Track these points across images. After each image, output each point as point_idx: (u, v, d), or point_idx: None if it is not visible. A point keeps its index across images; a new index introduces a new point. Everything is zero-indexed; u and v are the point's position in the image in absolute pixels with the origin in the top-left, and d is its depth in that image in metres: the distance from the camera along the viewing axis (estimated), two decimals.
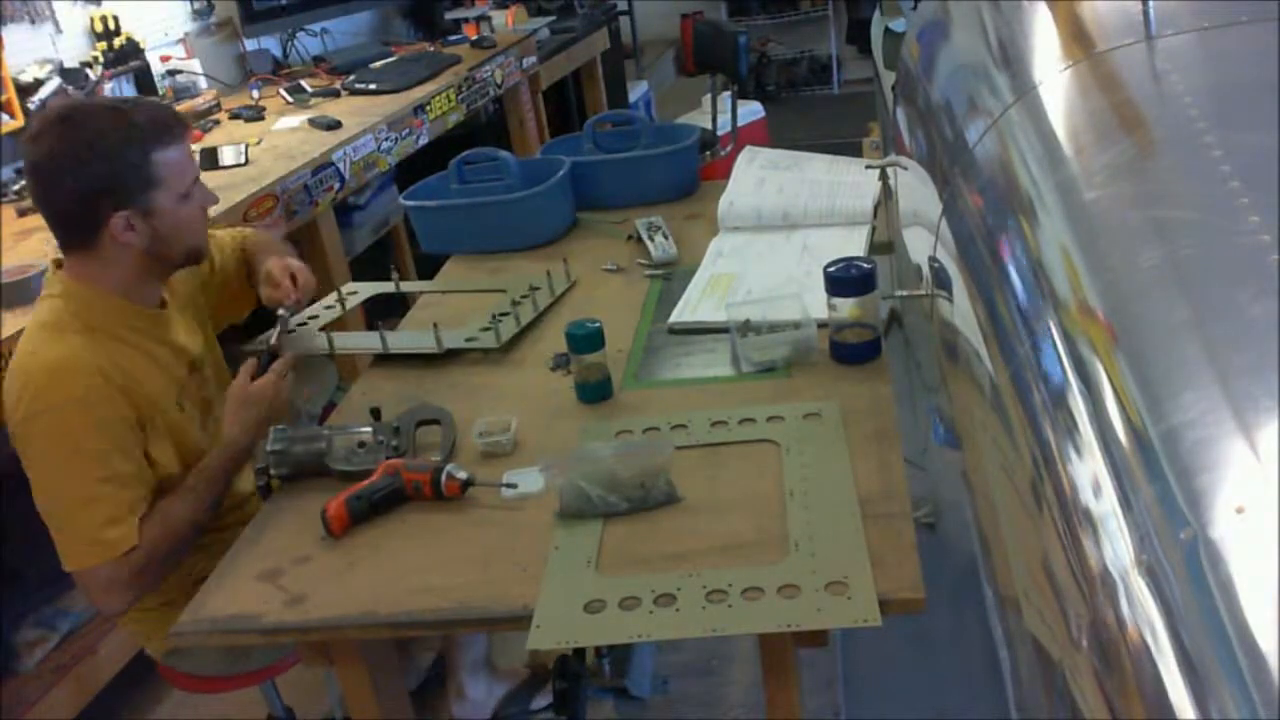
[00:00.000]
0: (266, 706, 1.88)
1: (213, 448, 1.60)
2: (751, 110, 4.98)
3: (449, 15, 4.44)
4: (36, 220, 2.43)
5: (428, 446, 1.51)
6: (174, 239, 1.53)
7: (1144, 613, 0.60)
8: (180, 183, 1.51)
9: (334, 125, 2.97)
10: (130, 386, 1.49)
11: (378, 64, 3.68)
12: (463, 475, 1.37)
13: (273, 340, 1.70)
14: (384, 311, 3.13)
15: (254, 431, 1.57)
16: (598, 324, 1.56)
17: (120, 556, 1.45)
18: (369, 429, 1.50)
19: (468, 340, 1.76)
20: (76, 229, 1.49)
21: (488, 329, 1.77)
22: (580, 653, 1.95)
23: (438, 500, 1.37)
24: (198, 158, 2.70)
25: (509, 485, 1.36)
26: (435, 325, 1.76)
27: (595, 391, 1.57)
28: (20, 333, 1.84)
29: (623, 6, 5.75)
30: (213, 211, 2.36)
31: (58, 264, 1.55)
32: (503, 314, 1.83)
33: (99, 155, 1.43)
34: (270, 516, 1.44)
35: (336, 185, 2.78)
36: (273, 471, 1.46)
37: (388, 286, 2.11)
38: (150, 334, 1.58)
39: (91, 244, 1.49)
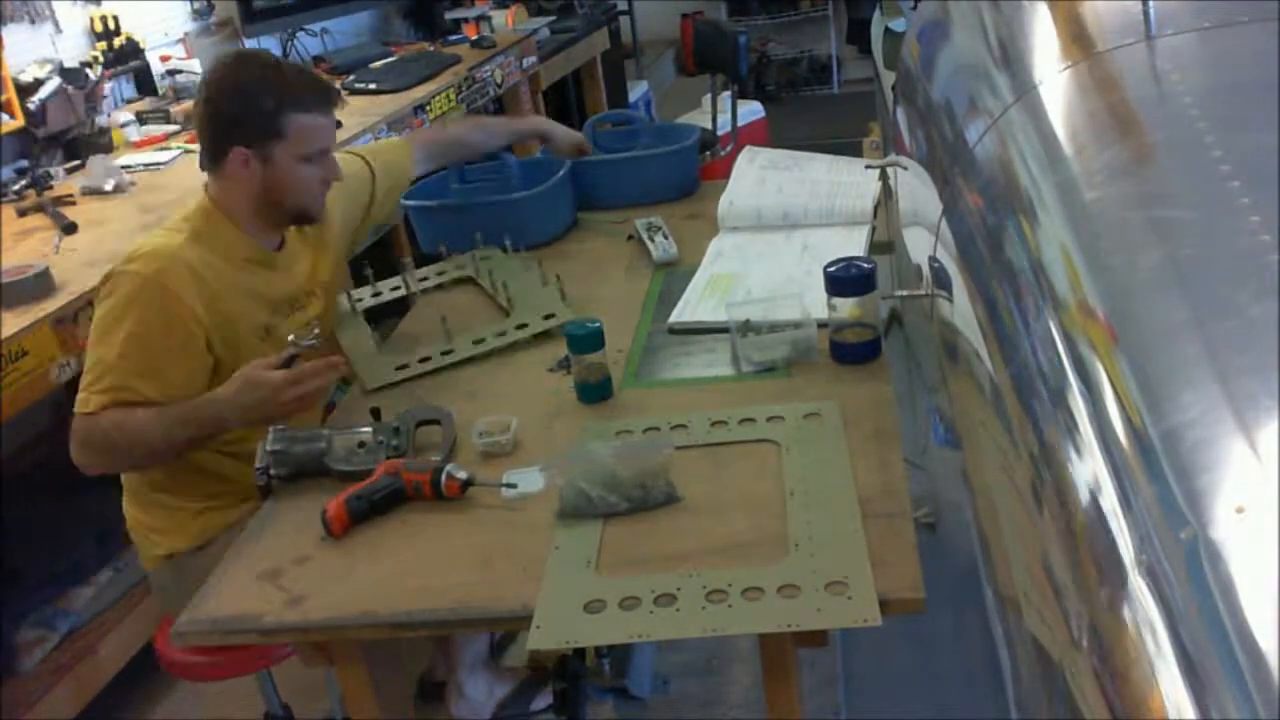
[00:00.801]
0: (263, 704, 1.88)
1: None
2: (751, 110, 4.98)
3: (449, 15, 4.44)
4: (36, 220, 2.44)
5: (428, 446, 1.50)
6: (284, 192, 1.69)
7: (1144, 613, 0.60)
8: (304, 146, 1.67)
9: (334, 125, 2.96)
10: (211, 298, 1.61)
11: (378, 64, 3.69)
12: (462, 475, 1.37)
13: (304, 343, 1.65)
14: (385, 313, 3.13)
15: (243, 412, 1.55)
16: (598, 324, 1.56)
17: (80, 415, 1.55)
18: (369, 429, 1.50)
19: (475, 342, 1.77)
20: (209, 149, 1.69)
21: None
22: (580, 653, 1.95)
23: (438, 500, 1.37)
24: (198, 158, 2.71)
25: (509, 485, 1.36)
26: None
27: (595, 391, 1.57)
28: (20, 332, 1.85)
29: (623, 6, 5.76)
30: None
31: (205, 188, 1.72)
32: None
33: (242, 94, 1.64)
34: (270, 516, 1.44)
35: None
36: (272, 471, 1.46)
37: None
38: (254, 268, 1.71)
39: (216, 168, 1.68)
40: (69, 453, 1.59)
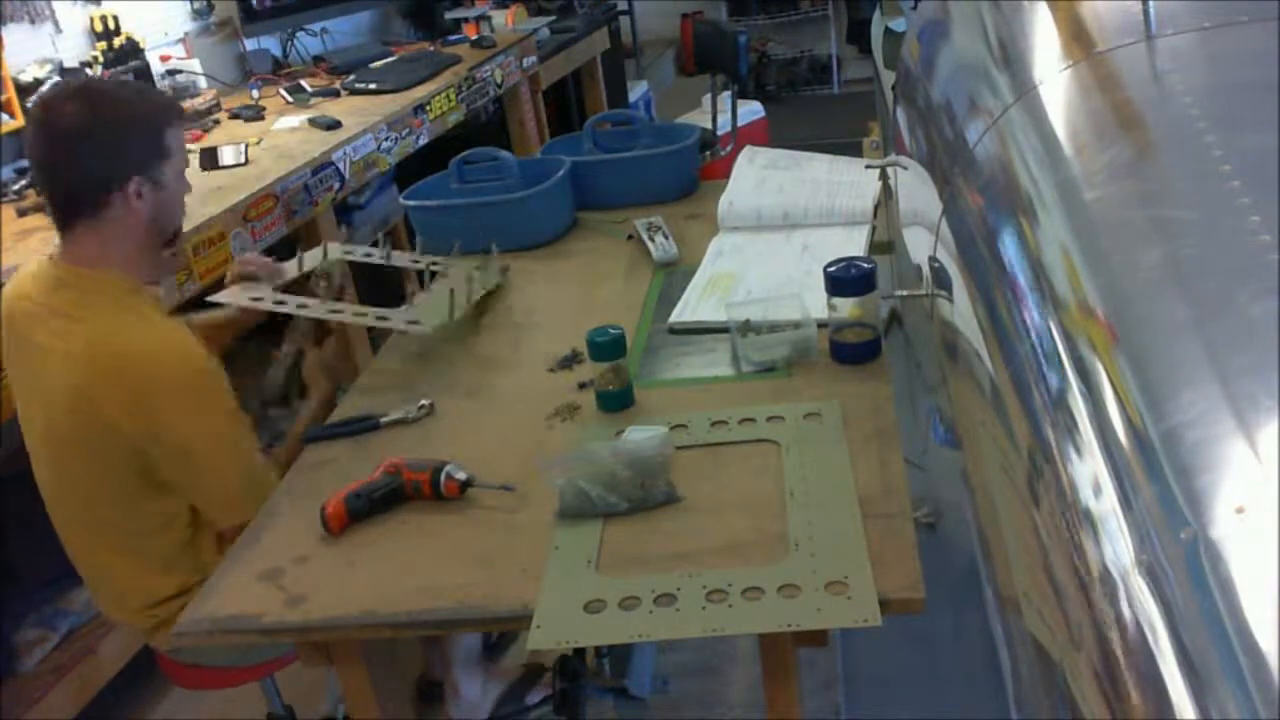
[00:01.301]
0: (266, 705, 1.88)
1: None
2: (751, 110, 4.98)
3: (449, 15, 4.44)
4: (36, 220, 2.43)
5: None
6: (170, 214, 1.63)
7: (1144, 613, 0.60)
8: (181, 160, 1.62)
9: (334, 125, 2.97)
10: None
11: (378, 64, 3.68)
12: (462, 476, 1.37)
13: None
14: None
15: (330, 389, 1.78)
16: (620, 330, 1.54)
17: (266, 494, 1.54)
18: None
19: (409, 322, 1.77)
20: (91, 197, 1.54)
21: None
22: (580, 652, 1.95)
23: (437, 500, 1.37)
24: (197, 158, 2.71)
25: (507, 487, 1.36)
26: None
27: (617, 400, 1.54)
28: None
29: (623, 6, 5.75)
30: (212, 210, 2.37)
31: (49, 260, 1.59)
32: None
33: (123, 123, 1.53)
34: (270, 516, 1.44)
35: (336, 185, 2.78)
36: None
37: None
38: (162, 307, 1.69)
39: (100, 214, 1.54)
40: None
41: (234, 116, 3.19)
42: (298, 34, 3.92)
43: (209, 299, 1.84)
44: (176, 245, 1.73)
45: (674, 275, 1.97)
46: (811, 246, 1.97)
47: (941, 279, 1.27)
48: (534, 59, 4.10)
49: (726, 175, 2.25)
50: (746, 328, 1.63)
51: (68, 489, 1.65)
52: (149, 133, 1.56)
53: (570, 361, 1.69)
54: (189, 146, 2.88)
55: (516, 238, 2.14)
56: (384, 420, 1.59)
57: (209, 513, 1.65)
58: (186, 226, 2.23)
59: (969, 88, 1.43)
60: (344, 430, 1.59)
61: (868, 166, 2.14)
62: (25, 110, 2.71)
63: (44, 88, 2.76)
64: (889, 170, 1.95)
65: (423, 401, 1.60)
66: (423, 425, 1.59)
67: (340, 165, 2.79)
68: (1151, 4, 1.06)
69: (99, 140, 1.52)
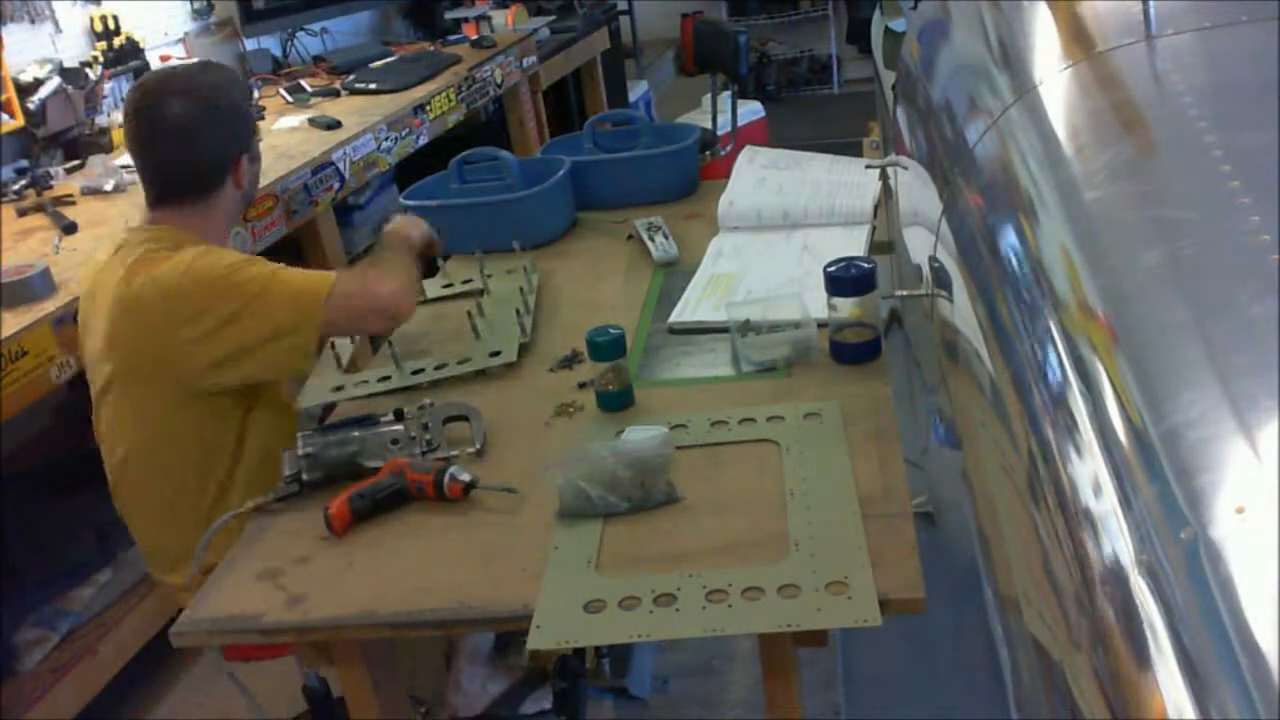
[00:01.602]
0: (299, 679, 1.86)
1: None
2: (751, 110, 4.98)
3: (449, 15, 4.44)
4: (36, 220, 2.43)
5: (458, 440, 1.49)
6: (256, 185, 1.76)
7: (1144, 613, 0.60)
8: (259, 130, 1.75)
9: (334, 125, 2.97)
10: None
11: (378, 64, 3.68)
12: (465, 477, 1.37)
13: None
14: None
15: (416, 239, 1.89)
16: (620, 330, 1.54)
17: (338, 277, 1.60)
18: (399, 426, 1.48)
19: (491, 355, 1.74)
20: (210, 177, 1.64)
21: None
22: (580, 653, 1.95)
23: (440, 501, 1.37)
24: None
25: (510, 489, 1.36)
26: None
27: (618, 400, 1.54)
28: (20, 332, 1.85)
29: (623, 6, 5.75)
30: None
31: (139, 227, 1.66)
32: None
33: (230, 105, 1.65)
34: (270, 516, 1.44)
35: (336, 185, 2.78)
36: (305, 476, 1.44)
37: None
38: None
39: (214, 192, 1.65)
40: (70, 452, 1.60)
41: None
42: (298, 34, 3.92)
43: None
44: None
45: (674, 275, 1.97)
46: (811, 246, 1.97)
47: (941, 279, 1.27)
48: (534, 59, 4.10)
49: (726, 175, 2.25)
50: (746, 328, 1.63)
51: (114, 440, 1.67)
52: (245, 112, 1.69)
53: (570, 361, 1.69)
54: None
55: (517, 238, 2.13)
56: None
57: (286, 357, 1.59)
58: None
59: (969, 88, 1.43)
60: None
61: (868, 166, 2.14)
62: (25, 110, 2.71)
63: (44, 89, 2.76)
64: (889, 170, 1.95)
65: (423, 402, 1.60)
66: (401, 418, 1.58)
67: (340, 165, 2.79)
68: (1151, 4, 1.06)
69: (213, 130, 1.62)
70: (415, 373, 1.72)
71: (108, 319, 1.56)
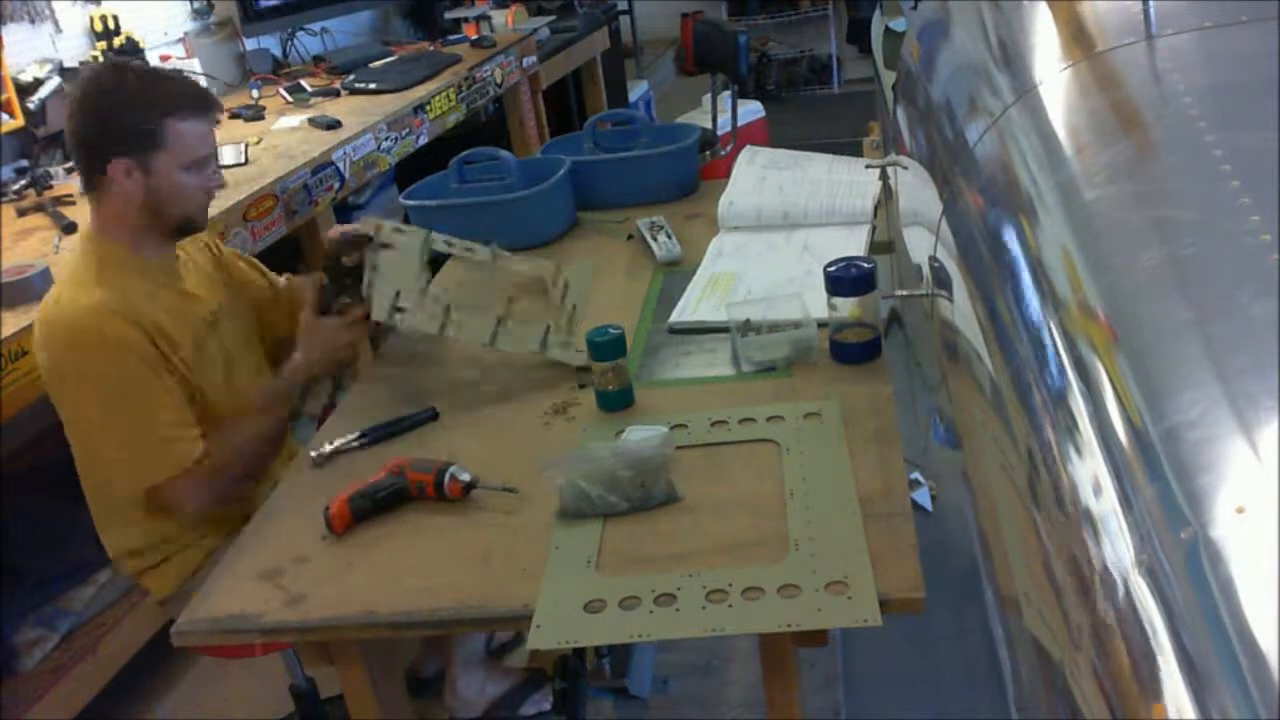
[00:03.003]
0: (276, 688, 1.87)
1: (231, 404, 1.72)
2: (751, 110, 4.98)
3: (449, 15, 4.44)
4: (36, 220, 2.43)
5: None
6: (169, 202, 1.64)
7: (1144, 613, 0.60)
8: (186, 154, 1.63)
9: (334, 125, 2.97)
10: (146, 323, 1.60)
11: (378, 63, 3.68)
12: (466, 477, 1.37)
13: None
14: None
15: (319, 365, 1.73)
16: (620, 330, 1.54)
17: (191, 465, 1.60)
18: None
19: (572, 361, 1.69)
20: (86, 166, 1.63)
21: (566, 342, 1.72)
22: (580, 652, 1.95)
23: (440, 501, 1.37)
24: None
25: (510, 489, 1.36)
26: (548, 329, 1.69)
27: (618, 399, 1.54)
28: (20, 332, 1.85)
29: (623, 6, 5.75)
30: (212, 210, 2.37)
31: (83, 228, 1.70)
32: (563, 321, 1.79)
33: (117, 105, 1.59)
34: (271, 516, 1.44)
35: (336, 185, 2.78)
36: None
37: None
38: (161, 280, 1.69)
39: (97, 185, 1.62)
40: (69, 452, 1.60)
41: (234, 116, 3.19)
42: (298, 34, 3.92)
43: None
44: (188, 234, 1.73)
45: (674, 275, 1.97)
46: (812, 246, 1.97)
47: (941, 279, 1.27)
48: (534, 59, 4.10)
49: (726, 175, 2.25)
50: (747, 327, 1.63)
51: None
52: (142, 120, 1.59)
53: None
54: None
55: (517, 238, 2.13)
56: (442, 411, 1.59)
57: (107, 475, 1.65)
58: None
59: (969, 88, 1.43)
60: (403, 426, 1.58)
61: (868, 166, 2.14)
62: (25, 110, 2.71)
63: (44, 88, 2.76)
64: (889, 170, 1.95)
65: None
66: (423, 425, 1.59)
67: (340, 165, 2.79)
68: (1151, 4, 1.06)
69: (92, 118, 1.59)
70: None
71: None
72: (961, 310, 1.15)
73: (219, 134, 3.05)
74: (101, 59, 3.03)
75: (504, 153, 2.33)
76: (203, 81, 3.35)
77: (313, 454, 1.54)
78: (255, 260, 2.00)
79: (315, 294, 1.74)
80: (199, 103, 1.65)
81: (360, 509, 1.36)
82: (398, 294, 1.65)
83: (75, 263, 1.65)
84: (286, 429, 1.80)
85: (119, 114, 1.59)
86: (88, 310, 1.56)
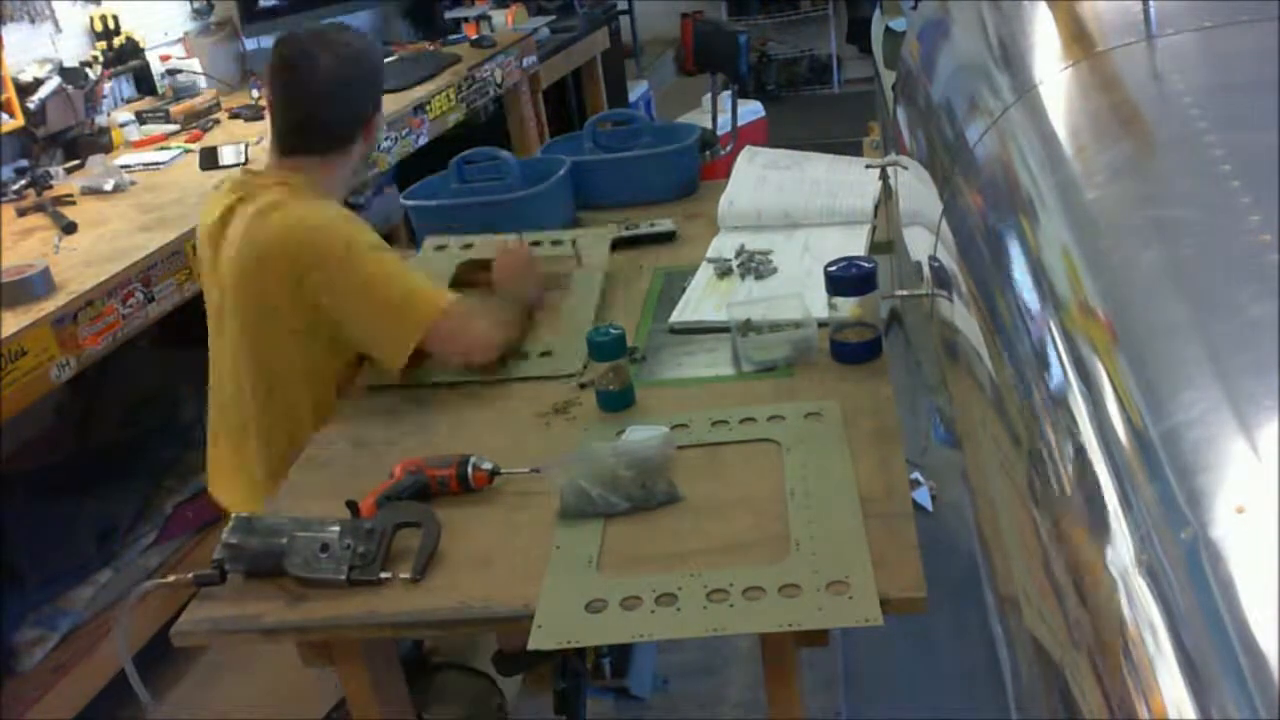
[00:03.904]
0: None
1: None
2: (751, 110, 4.98)
3: (449, 15, 4.44)
4: (36, 220, 2.43)
5: (404, 552, 1.28)
6: (367, 159, 1.85)
7: (1144, 613, 0.60)
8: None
9: None
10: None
11: None
12: (488, 465, 1.38)
13: None
14: None
15: (523, 289, 1.83)
16: (620, 330, 1.54)
17: (450, 307, 1.66)
18: (335, 529, 1.27)
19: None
20: (347, 133, 1.75)
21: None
22: (581, 652, 1.95)
23: (464, 493, 1.37)
24: (198, 156, 2.71)
25: (535, 470, 1.36)
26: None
27: (618, 400, 1.54)
28: (20, 331, 1.85)
29: (623, 6, 5.75)
30: None
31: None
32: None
33: (373, 67, 1.77)
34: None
35: None
36: (227, 567, 1.27)
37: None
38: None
39: (347, 147, 1.76)
40: (70, 453, 1.60)
41: (234, 116, 3.19)
42: None
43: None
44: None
45: (674, 275, 1.97)
46: (812, 246, 1.97)
47: (941, 279, 1.27)
48: (534, 59, 4.10)
49: (726, 175, 2.25)
50: (747, 327, 1.64)
51: (222, 368, 1.79)
52: (379, 73, 1.77)
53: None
54: (189, 146, 2.90)
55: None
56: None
57: (378, 352, 1.70)
58: (184, 228, 2.25)
59: (969, 87, 1.43)
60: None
61: (868, 166, 2.14)
62: (25, 110, 2.71)
63: (44, 88, 2.76)
64: (889, 170, 1.95)
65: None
66: (422, 425, 1.59)
67: None
68: (1151, 4, 1.06)
69: (358, 89, 1.74)
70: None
71: (238, 255, 1.69)
72: (961, 310, 1.15)
73: (220, 134, 3.06)
74: (101, 58, 3.03)
75: (504, 153, 2.32)
76: (203, 80, 3.37)
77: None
78: None
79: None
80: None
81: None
82: None
83: (291, 193, 1.70)
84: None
85: (376, 72, 1.76)
86: (332, 213, 1.69)
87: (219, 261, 1.75)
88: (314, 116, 1.73)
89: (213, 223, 1.76)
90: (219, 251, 1.75)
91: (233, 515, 1.31)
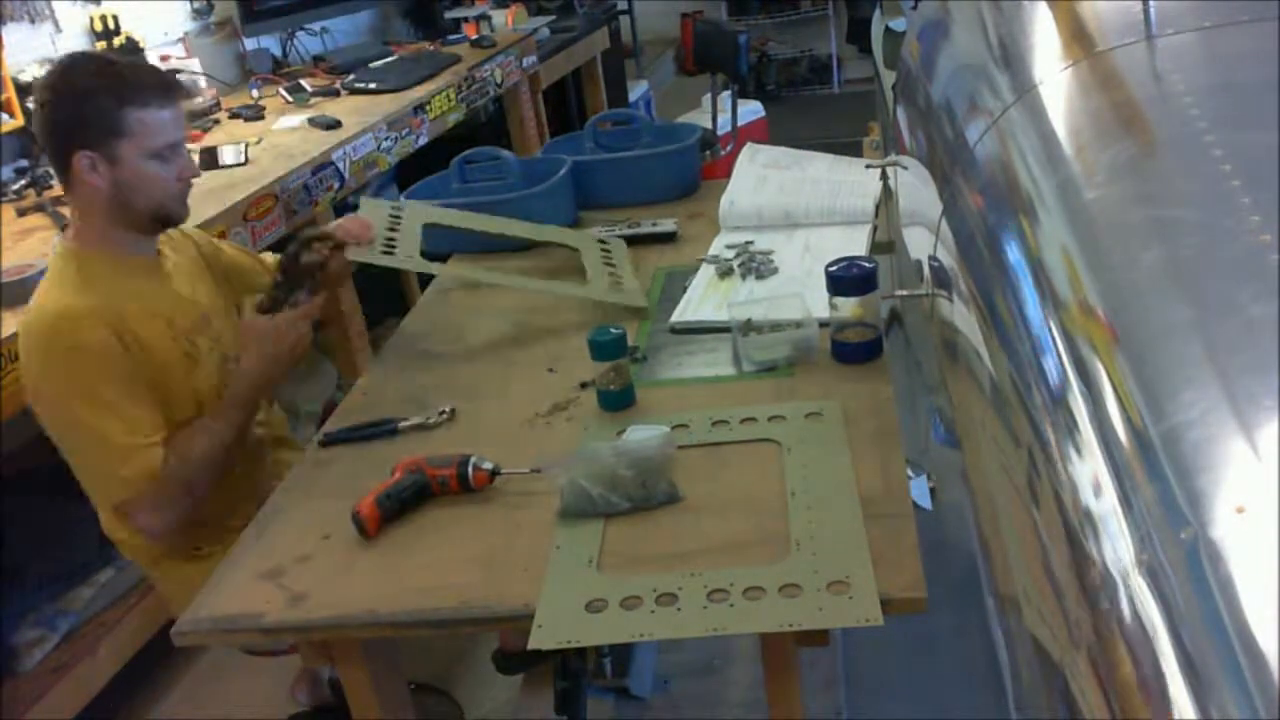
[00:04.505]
0: (265, 703, 1.88)
1: None
2: (752, 110, 4.98)
3: (449, 15, 4.44)
4: (36, 220, 2.43)
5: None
6: (137, 193, 1.60)
7: (1144, 613, 0.60)
8: (150, 141, 1.58)
9: (334, 125, 2.97)
10: (126, 331, 1.57)
11: (378, 63, 3.68)
12: (488, 465, 1.38)
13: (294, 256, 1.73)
14: (383, 312, 3.11)
15: (267, 367, 1.66)
16: (621, 330, 1.54)
17: (147, 481, 1.56)
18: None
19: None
20: (55, 160, 1.61)
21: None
22: (581, 652, 1.95)
23: (462, 494, 1.38)
24: (198, 156, 2.70)
25: (536, 469, 1.36)
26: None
27: (619, 399, 1.55)
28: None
29: (623, 6, 5.75)
30: (212, 210, 2.37)
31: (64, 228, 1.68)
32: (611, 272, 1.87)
33: (76, 95, 1.56)
34: (272, 516, 1.44)
35: (336, 185, 2.78)
36: None
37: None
38: (144, 278, 1.67)
39: (67, 182, 1.60)
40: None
41: (234, 116, 3.19)
42: (297, 34, 3.91)
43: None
44: (166, 226, 1.69)
45: (675, 275, 1.97)
46: (813, 246, 1.97)
47: (941, 279, 1.27)
48: (534, 59, 4.10)
49: (727, 175, 2.25)
50: (748, 327, 1.64)
51: None
52: (102, 109, 1.55)
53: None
54: (189, 146, 2.90)
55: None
56: (402, 425, 1.57)
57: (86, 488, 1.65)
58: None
59: (969, 87, 1.43)
60: (361, 434, 1.59)
61: (868, 166, 2.14)
62: (25, 110, 2.71)
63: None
64: (889, 170, 1.95)
65: (443, 408, 1.59)
66: (422, 425, 1.59)
67: (340, 165, 2.79)
68: (1151, 4, 1.06)
69: (53, 112, 1.57)
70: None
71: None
72: (961, 310, 1.15)
73: (220, 134, 3.06)
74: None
75: (505, 152, 2.33)
76: (203, 80, 3.36)
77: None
78: (246, 248, 1.98)
79: (265, 295, 1.71)
80: (160, 89, 1.61)
81: (389, 510, 1.35)
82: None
83: (54, 265, 1.63)
84: (248, 436, 1.73)
85: (79, 105, 1.55)
86: (57, 313, 1.55)
87: None
88: (37, 134, 1.65)
89: None
90: None
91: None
